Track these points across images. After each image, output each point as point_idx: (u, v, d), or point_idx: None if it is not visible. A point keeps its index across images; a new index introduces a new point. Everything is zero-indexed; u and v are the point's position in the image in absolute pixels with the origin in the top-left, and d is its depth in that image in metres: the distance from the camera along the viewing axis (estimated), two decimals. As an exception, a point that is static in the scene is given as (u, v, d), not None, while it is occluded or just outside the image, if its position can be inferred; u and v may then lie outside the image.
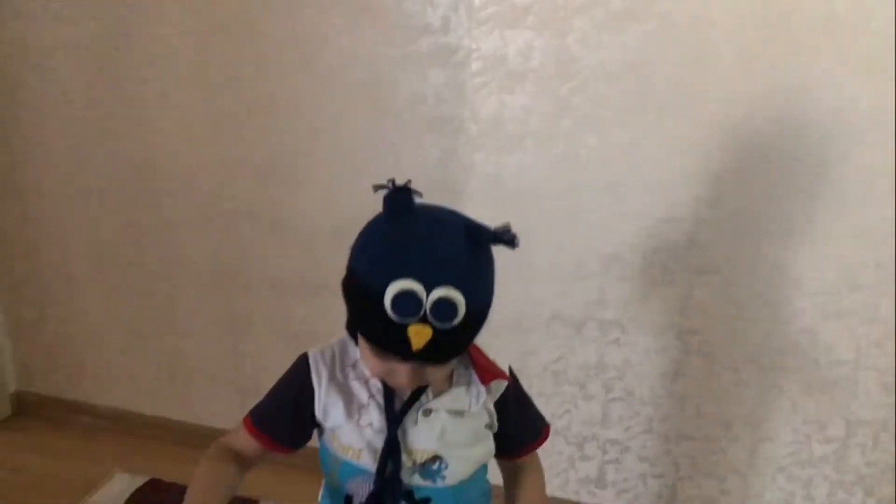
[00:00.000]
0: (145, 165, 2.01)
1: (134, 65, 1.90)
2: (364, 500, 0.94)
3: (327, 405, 0.95)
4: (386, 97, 1.73)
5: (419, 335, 0.76)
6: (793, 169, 1.57)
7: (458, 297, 0.77)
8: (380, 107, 1.72)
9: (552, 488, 1.98)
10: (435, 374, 0.87)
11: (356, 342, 0.91)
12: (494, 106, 1.69)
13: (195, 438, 2.23)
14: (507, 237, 0.82)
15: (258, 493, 2.05)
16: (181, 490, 2.33)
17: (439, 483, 0.94)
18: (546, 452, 1.93)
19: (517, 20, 1.61)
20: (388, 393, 0.93)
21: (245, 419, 1.04)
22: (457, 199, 1.74)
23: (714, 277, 1.69)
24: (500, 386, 0.97)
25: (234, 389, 2.15)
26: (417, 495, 0.92)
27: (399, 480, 0.91)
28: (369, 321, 0.79)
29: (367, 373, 0.94)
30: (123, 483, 2.11)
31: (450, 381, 0.95)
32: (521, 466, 1.07)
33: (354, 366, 0.96)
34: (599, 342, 1.81)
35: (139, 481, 2.12)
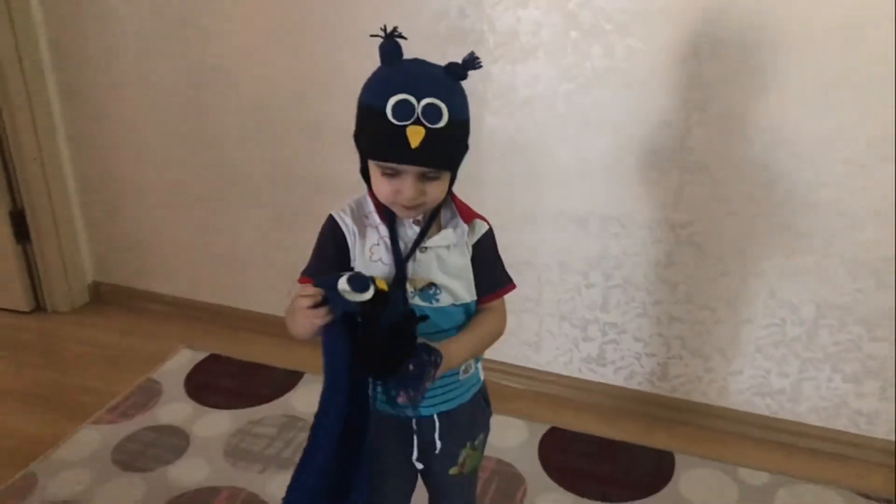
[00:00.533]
0: (207, 85, 2.29)
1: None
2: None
3: (353, 246, 1.20)
4: (414, 12, 1.96)
5: (415, 133, 1.01)
6: (774, 76, 1.76)
7: (441, 105, 1.03)
8: (409, 21, 1.91)
9: (558, 367, 2.25)
10: (433, 191, 1.09)
11: (369, 185, 1.15)
12: (510, 20, 1.90)
13: (248, 322, 2.58)
14: (474, 63, 1.09)
15: (302, 367, 2.36)
16: (237, 363, 2.74)
17: (434, 304, 1.18)
18: (553, 335, 2.21)
19: (530, -59, 1.81)
20: (394, 236, 1.17)
21: (300, 279, 1.26)
22: (477, 105, 1.96)
23: (702, 175, 1.90)
24: (481, 227, 1.21)
25: (281, 279, 2.44)
26: (418, 312, 1.18)
27: (405, 299, 1.17)
28: (376, 135, 1.04)
29: (377, 219, 1.17)
30: (187, 357, 2.45)
31: (439, 226, 1.19)
32: (480, 311, 1.26)
33: (367, 215, 1.19)
34: (600, 235, 2.04)
35: (201, 356, 2.45)
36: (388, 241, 1.16)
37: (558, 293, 2.15)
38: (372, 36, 1.07)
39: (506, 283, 1.26)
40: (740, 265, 1.96)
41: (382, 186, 1.10)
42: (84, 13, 2.33)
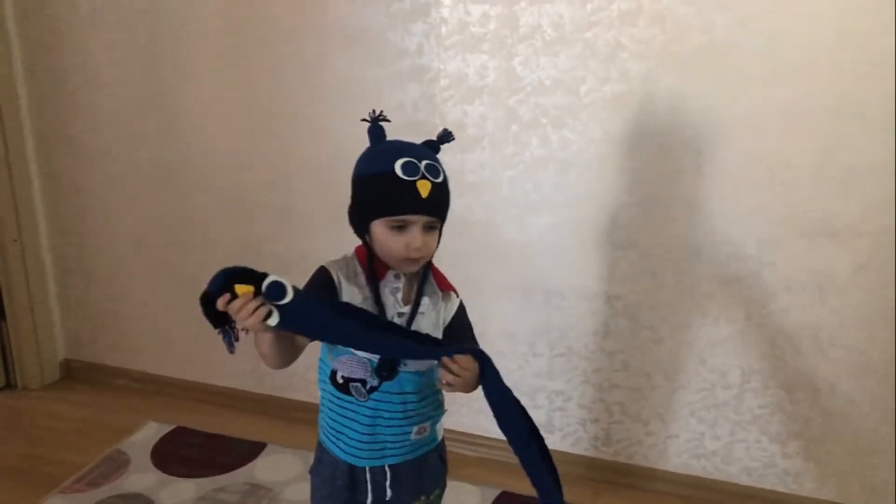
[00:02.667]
0: (177, 164, 2.48)
1: (168, 84, 2.37)
2: (346, 374, 1.30)
3: (342, 298, 1.28)
4: (375, 104, 2.15)
5: (424, 186, 1.19)
6: (691, 162, 1.98)
7: (437, 164, 1.24)
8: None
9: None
10: (431, 242, 1.25)
11: (368, 249, 1.28)
12: (458, 114, 2.12)
13: (214, 395, 2.69)
14: (447, 137, 1.32)
15: (266, 438, 2.46)
16: (202, 435, 2.83)
17: (401, 368, 1.29)
18: (504, 402, 2.33)
19: (475, 46, 2.05)
20: (377, 297, 1.28)
21: None
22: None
23: (633, 251, 2.09)
24: (455, 303, 1.35)
25: (248, 354, 2.54)
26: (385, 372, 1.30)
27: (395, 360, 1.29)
28: (388, 193, 1.20)
29: (364, 280, 1.28)
30: (154, 429, 2.53)
31: (419, 294, 1.31)
32: None
33: (357, 274, 1.30)
34: (545, 307, 2.22)
35: (167, 428, 2.54)
36: (372, 302, 1.28)
37: (507, 362, 2.30)
38: (362, 120, 1.29)
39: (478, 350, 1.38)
40: (672, 334, 2.14)
41: (394, 243, 1.23)
42: (65, 101, 2.54)
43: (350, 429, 1.33)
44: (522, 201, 2.14)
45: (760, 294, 2.02)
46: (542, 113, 2.05)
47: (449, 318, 1.35)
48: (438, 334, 1.32)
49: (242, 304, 1.10)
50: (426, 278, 1.33)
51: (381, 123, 1.30)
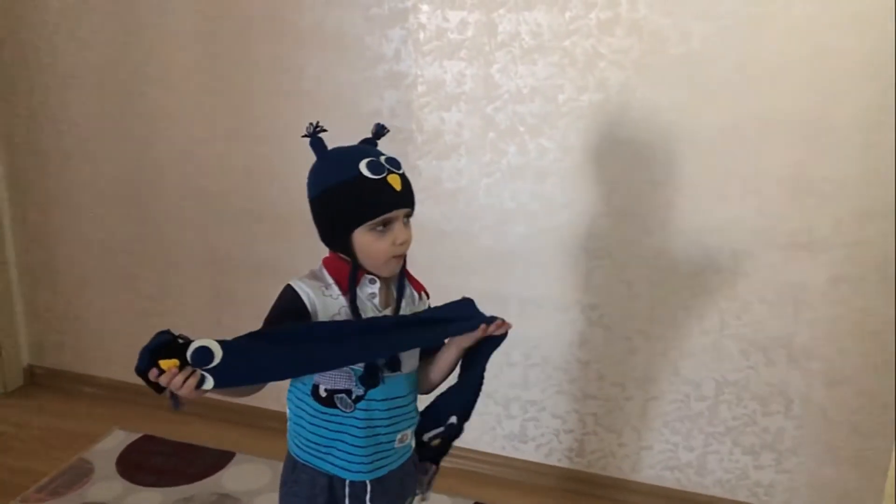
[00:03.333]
0: (145, 171, 2.44)
1: (138, 89, 2.34)
2: (329, 386, 1.27)
3: (315, 315, 1.24)
4: (352, 112, 2.15)
5: (395, 179, 1.19)
6: (666, 173, 1.98)
7: (391, 155, 1.22)
8: (345, 121, 2.12)
9: (483, 444, 2.36)
10: (411, 236, 1.24)
11: (352, 259, 1.24)
12: (435, 121, 2.11)
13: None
14: (382, 131, 1.30)
15: (235, 447, 2.41)
16: (170, 444, 2.79)
17: (392, 373, 1.27)
18: (478, 412, 2.31)
19: (453, 53, 2.04)
20: (354, 307, 1.25)
21: None
22: (405, 195, 2.16)
23: (607, 261, 2.09)
24: (426, 304, 1.34)
25: (218, 361, 2.51)
26: (384, 381, 1.26)
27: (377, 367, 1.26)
28: (362, 197, 1.18)
29: (338, 290, 1.25)
30: (120, 437, 2.48)
31: (399, 297, 1.29)
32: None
33: (327, 287, 1.26)
34: (520, 316, 2.20)
35: (134, 436, 2.49)
36: (348, 311, 1.24)
37: (482, 372, 2.28)
38: (303, 136, 1.24)
39: None
40: (646, 344, 2.13)
41: (380, 244, 1.21)
42: (34, 106, 2.49)
43: (342, 441, 1.28)
44: (499, 209, 2.13)
45: (735, 305, 2.03)
46: (520, 121, 2.04)
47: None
48: None
49: (170, 378, 1.06)
50: (402, 280, 1.31)
51: (320, 135, 1.26)
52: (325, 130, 1.24)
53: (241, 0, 2.17)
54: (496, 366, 2.26)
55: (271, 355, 1.14)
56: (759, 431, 2.10)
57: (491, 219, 2.15)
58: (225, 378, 1.09)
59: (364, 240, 1.21)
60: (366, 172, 1.17)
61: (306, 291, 1.23)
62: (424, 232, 2.29)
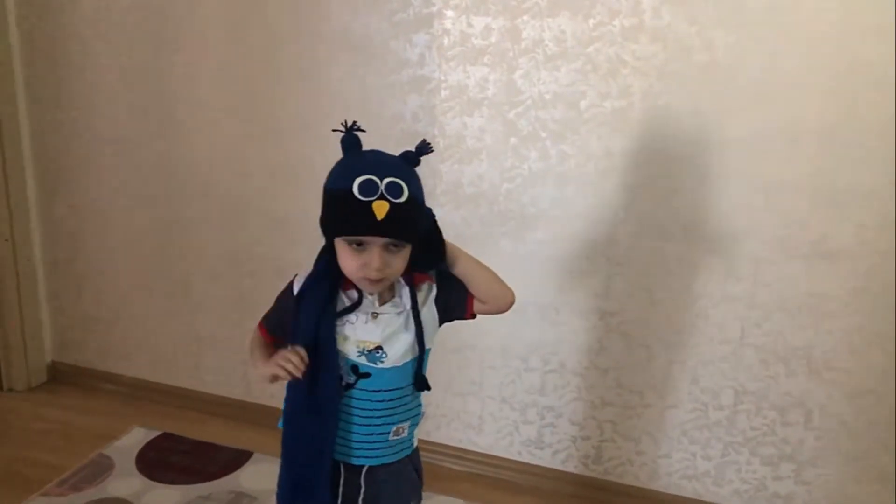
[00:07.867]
0: (173, 169, 2.47)
1: (169, 88, 2.37)
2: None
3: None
4: (375, 115, 2.17)
5: (380, 207, 1.16)
6: (688, 181, 1.98)
7: (402, 182, 1.18)
8: (369, 123, 2.14)
9: (500, 450, 2.36)
10: (396, 263, 1.23)
11: (334, 259, 1.27)
12: (457, 126, 2.12)
13: (202, 403, 2.66)
14: (426, 149, 1.27)
15: (253, 447, 2.43)
16: (189, 442, 2.81)
17: (379, 365, 1.32)
18: (495, 418, 2.33)
19: (476, 58, 2.06)
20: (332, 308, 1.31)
21: (259, 325, 1.43)
22: (427, 200, 2.16)
23: (628, 268, 2.09)
24: (432, 287, 1.36)
25: (238, 362, 2.54)
26: (361, 370, 1.30)
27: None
28: (343, 213, 1.18)
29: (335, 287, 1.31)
30: (140, 434, 2.50)
31: (391, 294, 1.33)
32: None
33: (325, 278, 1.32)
34: (538, 322, 2.20)
35: (153, 434, 2.51)
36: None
37: (500, 377, 2.28)
38: (334, 130, 1.25)
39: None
40: (665, 352, 2.12)
41: (350, 262, 1.22)
42: (64, 102, 2.53)
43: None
44: (519, 215, 2.14)
45: (755, 314, 2.02)
46: (542, 127, 2.05)
47: (433, 299, 1.36)
48: (437, 319, 1.37)
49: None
50: (412, 292, 1.33)
51: (357, 133, 1.26)
52: (362, 130, 1.25)
53: (269, 6, 2.20)
54: (514, 371, 2.27)
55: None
56: (778, 442, 2.09)
57: (511, 224, 2.15)
58: None
59: (340, 250, 1.25)
60: (355, 190, 1.16)
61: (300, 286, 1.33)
62: (444, 236, 2.31)
